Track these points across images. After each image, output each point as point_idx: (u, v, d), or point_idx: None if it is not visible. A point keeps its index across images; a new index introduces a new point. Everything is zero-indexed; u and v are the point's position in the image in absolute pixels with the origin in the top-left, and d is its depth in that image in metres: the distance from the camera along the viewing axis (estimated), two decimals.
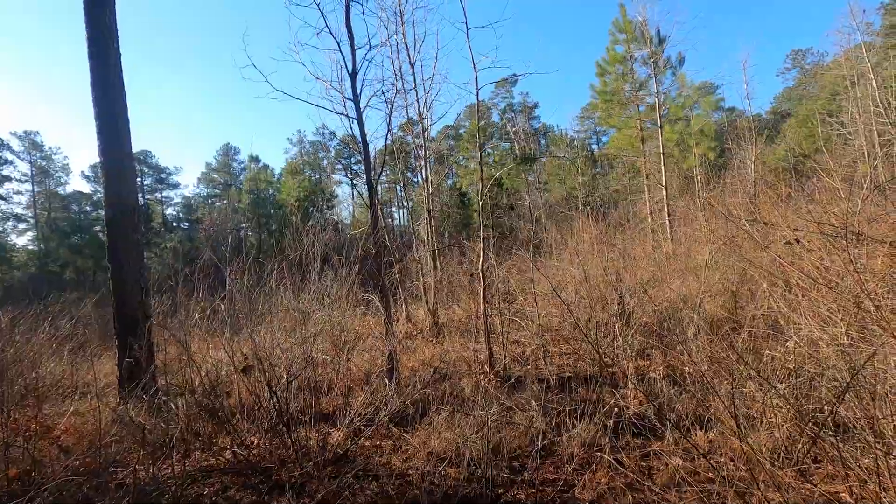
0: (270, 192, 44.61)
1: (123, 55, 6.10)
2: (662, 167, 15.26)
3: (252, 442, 4.85)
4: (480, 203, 6.11)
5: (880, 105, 21.43)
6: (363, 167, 6.22)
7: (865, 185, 4.42)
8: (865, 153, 21.87)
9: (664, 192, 15.43)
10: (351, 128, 6.21)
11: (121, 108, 5.99)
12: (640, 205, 18.90)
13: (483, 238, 6.07)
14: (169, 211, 53.97)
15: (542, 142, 49.93)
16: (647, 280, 8.07)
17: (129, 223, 6.15)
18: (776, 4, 65.64)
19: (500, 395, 4.63)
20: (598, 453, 3.77)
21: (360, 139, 5.72)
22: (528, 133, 45.37)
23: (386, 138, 6.29)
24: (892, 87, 22.06)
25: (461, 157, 39.80)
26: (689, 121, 17.52)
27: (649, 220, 17.12)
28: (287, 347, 4.92)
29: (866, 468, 2.87)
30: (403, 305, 9.75)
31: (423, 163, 10.28)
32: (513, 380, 5.48)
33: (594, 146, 43.59)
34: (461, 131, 46.43)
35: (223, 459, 4.52)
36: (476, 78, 6.05)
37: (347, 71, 5.82)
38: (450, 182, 38.72)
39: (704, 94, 16.72)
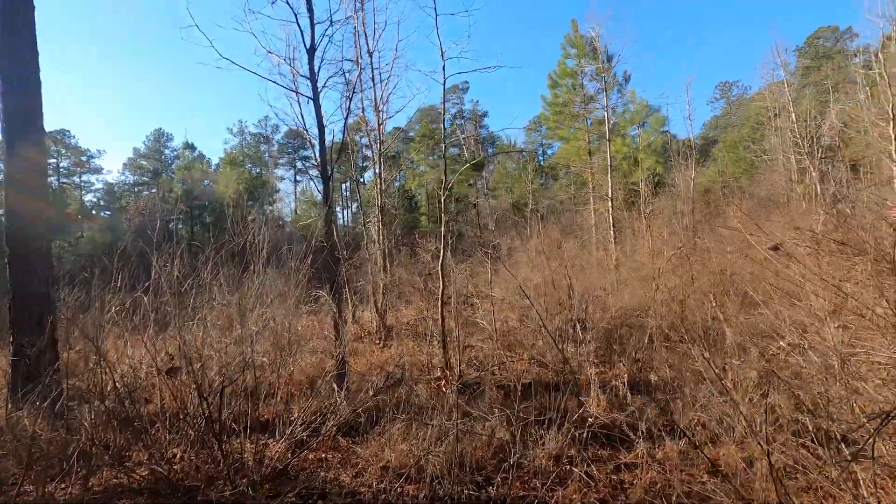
0: (206, 182, 41.92)
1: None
2: (609, 179, 15.68)
3: (174, 455, 4.22)
4: (443, 197, 5.78)
5: (797, 136, 23.45)
6: (317, 154, 5.71)
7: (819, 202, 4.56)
8: (788, 177, 23.89)
9: (610, 204, 15.84)
10: (301, 114, 5.70)
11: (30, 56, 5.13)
12: (585, 215, 19.39)
13: (444, 234, 5.75)
14: (88, 197, 49.44)
15: (490, 150, 50.58)
16: (603, 287, 8.08)
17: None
18: (709, 39, 70.83)
19: (460, 402, 4.30)
20: (568, 466, 3.53)
21: (315, 120, 5.23)
22: (477, 140, 45.77)
23: (345, 121, 5.80)
24: (804, 122, 24.22)
25: (410, 160, 39.42)
26: (636, 136, 18.21)
27: (593, 230, 17.57)
28: (221, 347, 4.33)
29: (839, 478, 2.80)
30: (349, 306, 9.21)
31: (376, 158, 9.83)
32: (471, 386, 5.18)
33: (540, 158, 44.63)
34: (411, 133, 46.10)
35: (137, 476, 3.86)
36: (444, 67, 5.74)
37: (305, 46, 5.31)
38: (397, 184, 38.24)
39: (652, 112, 17.48)
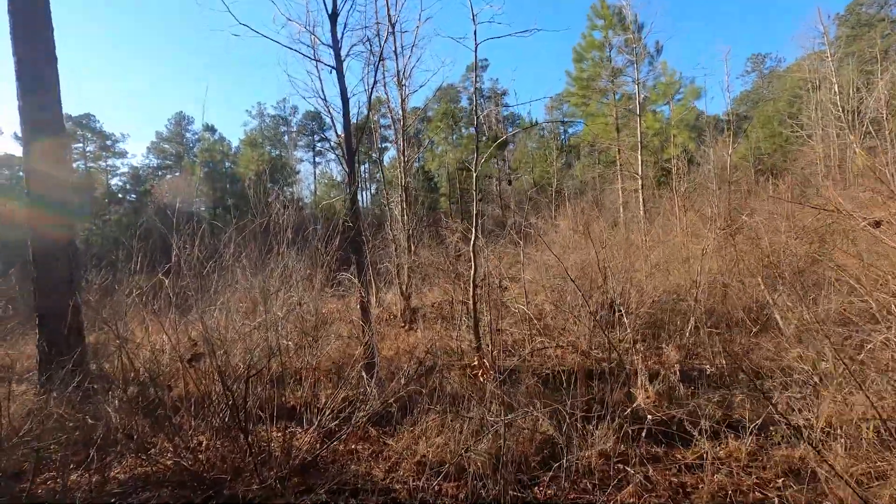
0: (227, 164, 42.12)
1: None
2: (639, 156, 15.01)
3: (199, 444, 4.04)
4: (475, 172, 5.40)
5: (839, 109, 22.09)
6: (339, 129, 5.38)
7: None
8: (821, 155, 22.65)
9: (640, 182, 15.21)
10: (322, 88, 5.33)
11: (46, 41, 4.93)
12: (612, 194, 18.73)
13: (475, 213, 5.40)
14: (114, 181, 50.25)
15: (510, 130, 49.50)
16: (638, 269, 7.64)
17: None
18: (742, 8, 67.44)
19: (498, 392, 4.00)
20: (621, 465, 3.22)
21: (338, 91, 4.88)
22: (498, 119, 44.80)
23: (371, 89, 5.41)
24: (847, 94, 22.78)
25: (430, 140, 38.86)
26: (668, 110, 17.37)
27: (621, 211, 16.93)
28: (246, 332, 4.11)
29: None
30: (373, 288, 8.98)
31: (399, 135, 9.45)
32: (506, 374, 4.88)
33: (563, 137, 43.49)
34: (429, 114, 45.36)
35: (161, 467, 3.70)
36: (475, 32, 5.31)
37: (326, 12, 4.94)
38: (417, 164, 37.81)
39: (687, 84, 16.58)
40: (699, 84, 20.93)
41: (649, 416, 3.46)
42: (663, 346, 5.11)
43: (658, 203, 14.89)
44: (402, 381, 3.97)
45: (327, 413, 4.00)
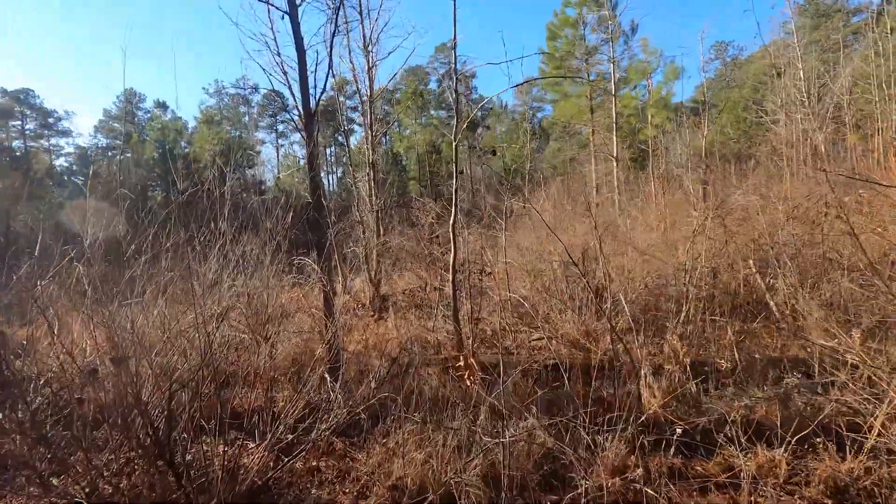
0: (183, 145, 39.69)
1: None
2: (615, 137, 14.64)
3: (122, 467, 3.30)
4: (455, 144, 4.73)
5: (803, 94, 22.41)
6: (297, 94, 4.57)
7: None
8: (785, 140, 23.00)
9: (614, 164, 14.88)
10: (275, 37, 4.49)
11: None
12: (585, 177, 18.37)
13: (455, 189, 4.74)
14: (59, 162, 46.88)
15: (479, 114, 48.76)
16: (620, 253, 7.18)
17: None
18: None
19: (485, 395, 3.41)
20: (635, 485, 2.68)
21: (292, 40, 4.09)
22: (468, 101, 43.88)
23: (330, 47, 4.61)
24: (811, 80, 23.12)
25: (397, 120, 37.78)
26: (645, 90, 17.04)
27: (594, 193, 16.61)
28: (177, 332, 3.36)
29: None
30: (339, 274, 8.24)
31: (366, 107, 8.63)
32: (488, 369, 4.30)
33: (534, 119, 43.03)
34: (397, 95, 44.07)
35: (70, 499, 2.95)
36: None
37: None
38: (384, 147, 36.74)
39: (665, 62, 16.24)
40: (677, 63, 20.56)
41: (677, 429, 2.91)
42: (663, 336, 4.63)
43: (633, 185, 14.61)
44: (373, 385, 3.32)
45: (284, 424, 3.32)
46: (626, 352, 3.93)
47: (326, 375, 3.49)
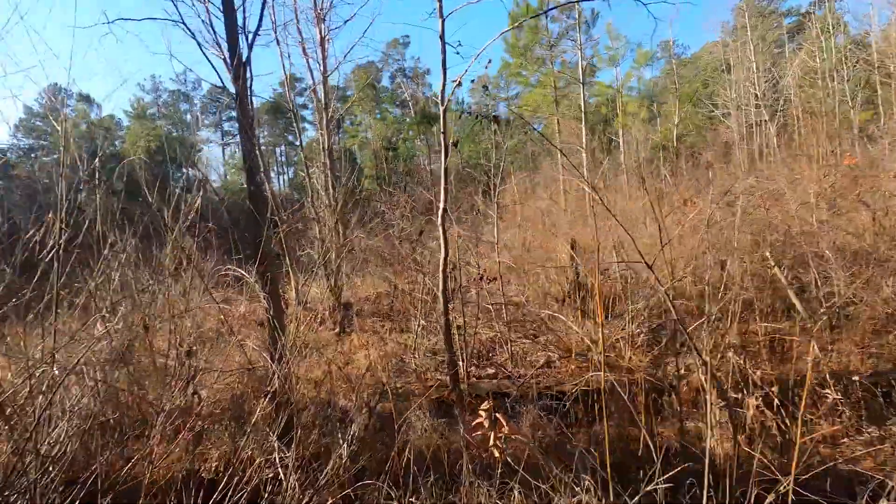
0: (116, 144, 36.29)
1: None
2: (583, 127, 14.02)
3: None
4: (443, 109, 3.66)
5: (756, 88, 22.86)
6: (225, 52, 3.35)
7: None
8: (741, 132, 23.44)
9: (583, 156, 14.25)
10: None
11: None
12: (552, 171, 17.70)
13: (444, 170, 3.67)
14: None
15: (434, 110, 47.75)
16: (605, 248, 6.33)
17: None
18: None
19: (501, 453, 2.37)
20: None
21: None
22: (421, 99, 42.71)
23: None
24: (759, 74, 23.66)
25: (351, 118, 36.27)
26: (616, 76, 16.52)
27: (562, 186, 15.97)
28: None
29: None
30: (293, 283, 6.98)
31: (320, 86, 7.39)
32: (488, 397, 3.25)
33: (494, 112, 42.40)
34: (349, 93, 42.38)
35: None
36: None
37: None
38: (337, 144, 35.09)
39: (633, 47, 15.75)
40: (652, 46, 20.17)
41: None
42: (678, 347, 3.74)
43: (605, 177, 14.00)
44: (344, 456, 2.20)
45: None
46: (678, 373, 2.99)
47: (275, 440, 2.33)
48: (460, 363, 3.94)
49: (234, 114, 42.27)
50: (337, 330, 6.67)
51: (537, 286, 5.47)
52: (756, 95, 22.61)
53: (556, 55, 16.90)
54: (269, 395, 2.56)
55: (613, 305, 5.10)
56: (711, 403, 2.79)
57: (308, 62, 7.13)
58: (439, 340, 5.14)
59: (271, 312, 3.01)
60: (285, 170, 45.82)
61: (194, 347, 3.23)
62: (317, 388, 4.03)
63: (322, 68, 7.17)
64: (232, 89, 3.13)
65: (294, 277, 7.11)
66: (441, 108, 3.63)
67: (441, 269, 3.59)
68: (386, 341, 5.57)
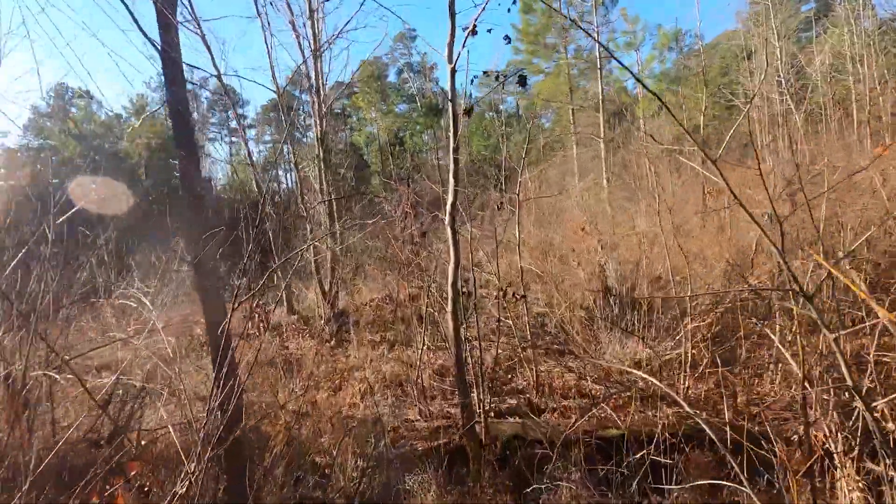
0: (121, 143, 35.82)
1: None
2: (601, 115, 13.08)
3: None
4: (451, 69, 2.81)
5: (780, 75, 21.66)
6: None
7: None
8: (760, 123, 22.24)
9: (601, 147, 13.33)
10: None
11: None
12: (565, 164, 16.79)
13: (455, 160, 2.83)
14: None
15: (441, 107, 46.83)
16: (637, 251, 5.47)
17: None
18: None
19: None
20: None
21: None
22: (429, 94, 41.78)
23: None
24: (784, 60, 22.43)
25: (358, 112, 35.53)
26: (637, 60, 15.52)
27: (576, 181, 15.06)
28: None
29: None
30: (282, 291, 6.22)
31: (311, 71, 6.56)
32: (512, 447, 2.44)
33: (503, 106, 41.36)
34: (355, 89, 41.61)
35: None
36: None
37: None
38: (344, 136, 34.45)
39: (651, 31, 14.76)
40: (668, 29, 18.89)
41: None
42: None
43: (621, 169, 13.09)
44: None
45: None
46: (806, 428, 2.14)
47: None
48: (474, 394, 3.12)
49: (240, 111, 41.44)
50: (332, 342, 5.88)
51: (562, 294, 4.63)
52: (780, 83, 21.44)
53: (569, 41, 15.93)
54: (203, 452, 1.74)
55: (656, 314, 4.24)
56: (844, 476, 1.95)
57: (298, 40, 6.32)
58: (447, 358, 4.33)
59: (210, 343, 2.22)
60: (292, 167, 45.15)
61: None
62: (293, 425, 3.23)
63: (312, 45, 6.34)
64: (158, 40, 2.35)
65: (283, 284, 6.33)
66: (449, 69, 2.79)
67: (451, 281, 2.76)
68: (385, 358, 4.76)
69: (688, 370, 3.36)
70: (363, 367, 4.90)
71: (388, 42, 39.96)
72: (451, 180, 2.73)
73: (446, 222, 2.76)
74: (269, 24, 6.04)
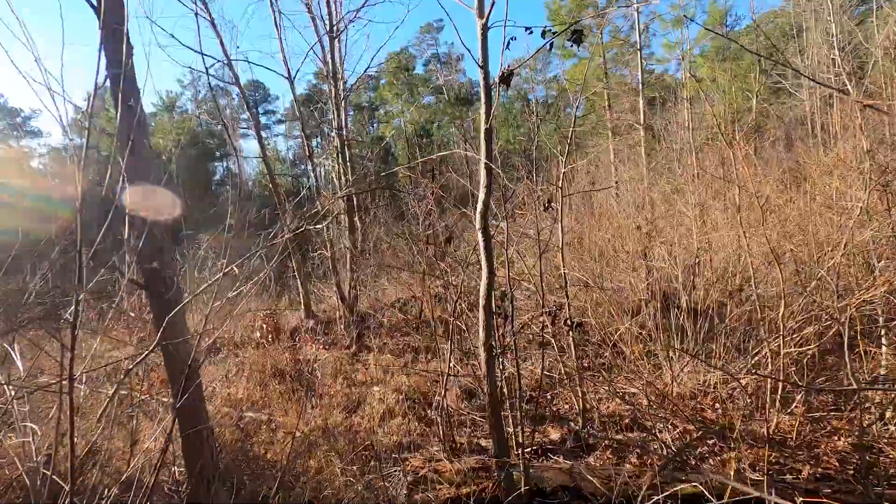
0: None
1: None
2: (641, 99, 12.21)
3: None
4: (482, 25, 2.24)
5: (835, 53, 20.00)
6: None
7: None
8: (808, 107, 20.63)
9: (641, 135, 12.47)
10: None
11: None
12: (600, 154, 15.87)
13: (486, 131, 2.23)
14: (35, 164, 43.25)
15: (475, 91, 45.95)
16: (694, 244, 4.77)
17: None
18: None
19: None
20: None
21: None
22: (456, 85, 40.99)
23: None
24: (836, 38, 20.71)
25: (384, 103, 35.15)
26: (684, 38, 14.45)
27: (613, 171, 14.19)
28: None
29: None
30: (300, 289, 5.79)
31: (323, 39, 6.00)
32: None
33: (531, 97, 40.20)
34: (383, 81, 41.20)
35: None
36: None
37: None
38: (371, 130, 34.16)
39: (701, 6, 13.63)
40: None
41: None
42: None
43: (659, 158, 12.22)
44: None
45: None
46: None
47: None
48: (510, 430, 2.56)
49: (270, 107, 41.81)
50: (351, 348, 5.42)
51: (610, 303, 3.99)
52: (834, 62, 19.76)
53: (605, 22, 14.99)
54: None
55: (725, 324, 3.58)
56: None
57: (314, 22, 5.81)
58: (477, 367, 3.78)
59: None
60: (325, 162, 45.13)
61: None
62: (295, 459, 2.75)
63: (328, 26, 5.83)
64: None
65: (303, 283, 5.91)
66: (479, 25, 2.19)
67: (483, 303, 2.18)
68: (409, 369, 4.26)
69: (776, 402, 2.71)
70: (384, 381, 4.41)
71: (410, 21, 39.08)
72: (483, 174, 2.15)
73: (477, 225, 2.20)
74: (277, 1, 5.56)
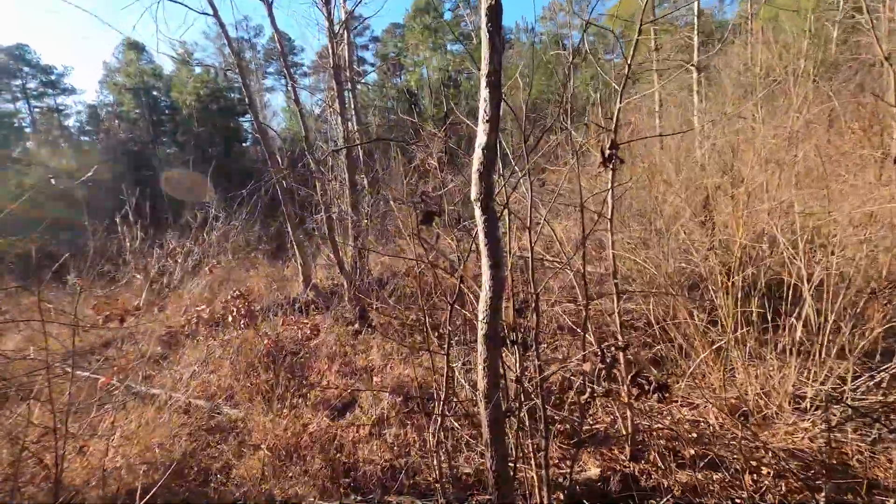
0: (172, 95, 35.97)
1: None
2: (695, 34, 10.64)
3: None
4: None
5: None
6: None
7: None
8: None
9: (693, 76, 10.98)
10: None
11: None
12: (643, 100, 14.29)
13: (489, 94, 1.36)
14: (71, 123, 43.61)
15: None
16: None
17: None
18: None
19: None
20: None
21: None
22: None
23: None
24: None
25: (408, 53, 33.47)
26: None
27: (657, 120, 12.72)
28: None
29: None
30: (297, 258, 5.09)
31: None
32: None
33: (566, 42, 37.48)
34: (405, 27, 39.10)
35: None
36: None
37: None
38: (397, 81, 32.76)
39: None
40: None
41: None
42: None
43: (713, 104, 10.69)
44: None
45: None
46: None
47: None
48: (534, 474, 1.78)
49: (296, 58, 40.51)
50: (358, 330, 4.72)
51: (667, 282, 3.06)
52: None
53: None
54: None
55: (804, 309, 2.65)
56: None
57: None
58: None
59: None
60: (352, 115, 44.07)
61: None
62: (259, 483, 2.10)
63: None
64: None
65: (298, 252, 5.20)
66: None
67: (483, 331, 1.30)
68: (411, 361, 3.53)
69: None
70: (382, 371, 3.72)
71: None
72: (483, 126, 1.27)
73: (472, 195, 1.31)
74: None
